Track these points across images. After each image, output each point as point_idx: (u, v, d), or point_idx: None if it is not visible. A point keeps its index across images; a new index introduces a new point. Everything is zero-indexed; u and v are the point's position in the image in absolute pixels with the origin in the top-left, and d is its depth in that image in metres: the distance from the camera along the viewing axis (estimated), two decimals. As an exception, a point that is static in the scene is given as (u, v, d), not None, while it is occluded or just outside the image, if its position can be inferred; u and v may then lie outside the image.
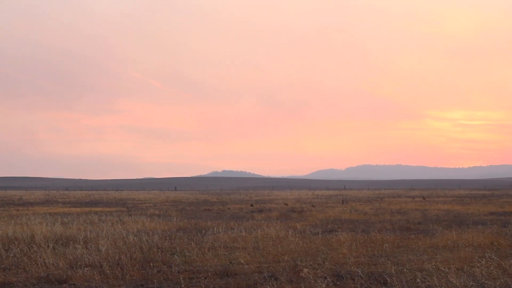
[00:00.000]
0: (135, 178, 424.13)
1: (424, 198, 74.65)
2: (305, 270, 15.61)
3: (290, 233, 25.15)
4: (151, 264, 17.39)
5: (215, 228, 27.53)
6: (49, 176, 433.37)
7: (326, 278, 14.66)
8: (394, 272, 15.44)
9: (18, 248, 19.87)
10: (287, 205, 56.92)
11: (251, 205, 56.45)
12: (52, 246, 20.45)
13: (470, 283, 13.53)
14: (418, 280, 14.17)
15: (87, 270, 16.15)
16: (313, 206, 54.15)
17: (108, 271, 15.83)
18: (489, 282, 13.66)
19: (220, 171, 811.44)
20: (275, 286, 13.96)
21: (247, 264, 17.34)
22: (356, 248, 20.40)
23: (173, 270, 16.49)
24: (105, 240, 22.12)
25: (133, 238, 22.53)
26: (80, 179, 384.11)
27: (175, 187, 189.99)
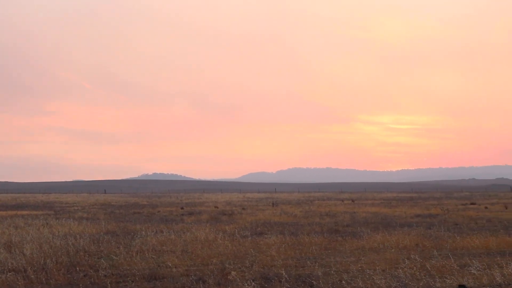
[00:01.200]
0: (65, 180, 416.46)
1: (353, 201, 75.75)
2: (233, 273, 15.61)
3: (219, 236, 25.16)
4: (78, 268, 17.11)
5: (144, 231, 27.30)
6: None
7: (253, 280, 14.68)
8: (321, 274, 15.59)
9: None
10: (218, 208, 56.92)
11: (182, 208, 56.18)
12: (-27, 251, 19.89)
13: (394, 284, 13.81)
14: (344, 282, 14.34)
15: (10, 275, 15.74)
16: (243, 209, 54.25)
17: (32, 276, 15.48)
18: (412, 283, 13.96)
19: (151, 173, 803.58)
20: (203, 289, 13.92)
21: (175, 267, 17.25)
22: (285, 251, 20.52)
23: (100, 274, 16.25)
24: (30, 244, 21.60)
25: (60, 242, 22.14)
26: (7, 181, 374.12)
27: (105, 190, 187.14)
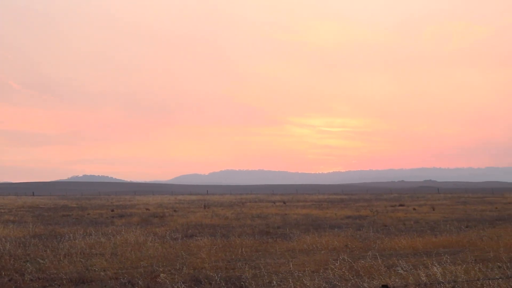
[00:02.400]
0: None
1: (284, 202, 76.21)
2: (162, 275, 15.47)
3: (150, 238, 24.94)
4: (3, 273, 16.64)
5: (73, 234, 26.81)
6: None
7: (183, 283, 14.60)
8: (251, 276, 15.60)
9: None
10: (149, 210, 56.43)
11: (112, 210, 55.38)
12: None
13: (323, 285, 13.94)
14: (274, 283, 14.40)
15: None
16: (175, 211, 53.95)
17: (-47, 281, 15.00)
18: (341, 284, 14.12)
19: (81, 175, 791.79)
20: (132, 292, 13.74)
21: (104, 270, 16.96)
22: (215, 253, 20.45)
23: (26, 278, 15.82)
24: (-48, 248, 20.97)
25: (-16, 246, 21.52)
26: None
27: (33, 192, 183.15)
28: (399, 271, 15.14)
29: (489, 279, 13.23)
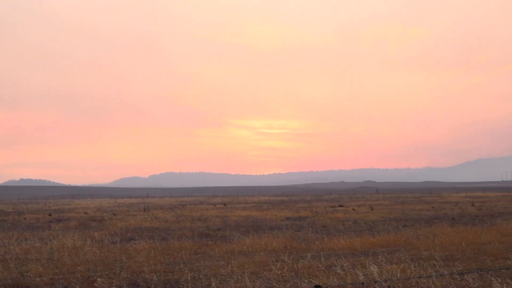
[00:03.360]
0: None
1: (225, 205, 76.10)
2: (100, 280, 15.22)
3: (87, 242, 24.56)
4: None
5: (7, 240, 26.21)
6: None
7: (121, 287, 14.41)
8: (190, 278, 15.50)
9: None
10: (88, 214, 55.57)
11: (50, 215, 54.35)
12: None
13: (262, 286, 13.96)
14: (213, 285, 14.32)
15: None
16: (114, 214, 53.29)
17: None
18: (280, 285, 14.15)
19: (18, 179, 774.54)
20: (68, 298, 13.49)
21: (39, 276, 16.59)
22: (154, 256, 20.26)
23: (-42, 286, 15.39)
24: None
25: None
26: None
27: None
28: (338, 271, 15.28)
29: (423, 277, 13.47)
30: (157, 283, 14.71)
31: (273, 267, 16.44)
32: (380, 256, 18.55)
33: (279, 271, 15.82)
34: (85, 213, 57.65)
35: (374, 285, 12.99)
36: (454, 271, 15.16)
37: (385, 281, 13.32)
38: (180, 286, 14.50)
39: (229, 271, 16.54)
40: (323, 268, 16.07)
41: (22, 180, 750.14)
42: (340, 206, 64.47)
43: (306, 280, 14.33)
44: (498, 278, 13.61)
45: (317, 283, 13.75)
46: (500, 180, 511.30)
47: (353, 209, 54.85)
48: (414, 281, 13.19)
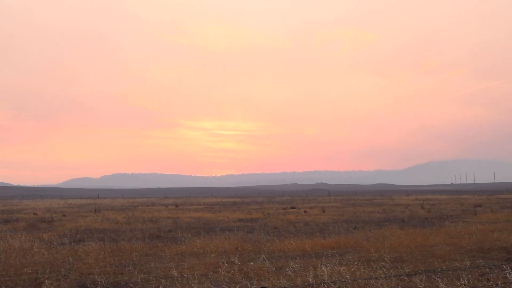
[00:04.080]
0: None
1: (177, 206, 75.75)
2: (47, 282, 14.98)
3: (36, 244, 24.19)
4: None
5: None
6: None
7: (69, 289, 14.22)
8: (139, 280, 15.39)
9: None
10: (37, 215, 54.70)
11: (-3, 216, 53.36)
12: None
13: (212, 288, 13.93)
14: (162, 287, 14.26)
15: None
16: (64, 215, 52.61)
17: None
18: (230, 286, 14.13)
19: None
20: (14, 300, 13.24)
21: (-15, 278, 16.26)
22: (104, 258, 20.04)
23: None
24: None
25: None
26: None
27: None
28: (288, 272, 15.34)
29: (372, 278, 13.61)
30: (106, 285, 14.55)
31: (223, 269, 16.43)
32: (330, 258, 18.70)
33: (229, 273, 15.81)
34: (34, 214, 56.75)
35: (323, 287, 13.07)
36: (402, 272, 15.36)
37: (335, 282, 13.41)
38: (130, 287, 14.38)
39: (179, 272, 16.45)
40: (273, 270, 16.11)
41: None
42: (292, 208, 64.77)
43: (256, 282, 14.35)
44: (445, 279, 13.86)
45: (266, 284, 13.79)
46: (450, 183, 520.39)
47: (305, 211, 55.13)
48: (363, 283, 13.31)
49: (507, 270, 14.25)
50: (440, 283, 13.16)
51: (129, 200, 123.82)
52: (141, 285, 14.75)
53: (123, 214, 53.51)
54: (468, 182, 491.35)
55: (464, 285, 13.18)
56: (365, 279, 13.51)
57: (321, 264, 16.74)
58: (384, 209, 57.20)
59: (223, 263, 17.77)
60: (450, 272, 15.10)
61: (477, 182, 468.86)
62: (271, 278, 14.77)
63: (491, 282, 13.63)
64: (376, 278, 13.71)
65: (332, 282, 13.41)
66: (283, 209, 62.46)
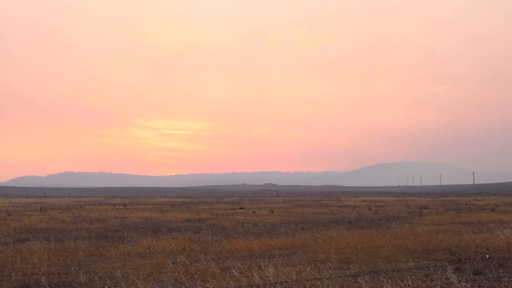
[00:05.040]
0: None
1: (125, 205, 75.08)
2: (-12, 282, 14.70)
3: (-22, 244, 23.68)
4: None
5: None
6: None
7: (11, 290, 13.95)
8: (84, 280, 15.19)
9: None
10: (-20, 214, 53.59)
11: None
12: None
13: (157, 289, 13.83)
14: (107, 287, 14.11)
15: None
16: (8, 214, 51.65)
17: None
18: (175, 287, 14.05)
19: None
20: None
21: None
22: (48, 258, 19.73)
23: None
24: None
25: None
26: None
27: None
28: (234, 273, 15.32)
29: (318, 279, 13.68)
30: (50, 285, 14.30)
31: (168, 270, 16.33)
32: (277, 259, 18.73)
33: (175, 274, 15.72)
34: (-23, 213, 55.58)
35: (270, 287, 13.10)
36: (348, 273, 15.50)
37: (281, 283, 13.45)
38: (74, 288, 14.17)
39: (125, 273, 16.30)
40: (220, 271, 16.07)
41: None
42: (241, 208, 64.86)
43: (201, 283, 14.29)
44: (389, 280, 14.02)
45: (212, 285, 13.76)
46: (397, 185, 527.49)
47: (254, 212, 55.25)
48: (309, 283, 13.38)
49: (450, 271, 14.51)
50: (385, 284, 13.33)
51: (76, 199, 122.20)
52: (85, 285, 14.57)
53: (69, 214, 52.84)
54: (415, 184, 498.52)
55: (408, 285, 13.35)
56: (311, 279, 13.58)
57: (268, 264, 16.77)
58: (332, 210, 57.67)
59: (169, 264, 17.68)
60: (395, 273, 15.29)
61: (423, 184, 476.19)
62: (216, 278, 14.73)
63: (434, 283, 13.84)
64: (322, 278, 13.80)
65: (278, 282, 13.44)
66: (232, 209, 62.46)
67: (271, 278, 14.15)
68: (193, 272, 15.96)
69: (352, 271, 16.00)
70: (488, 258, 18.97)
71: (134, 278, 15.05)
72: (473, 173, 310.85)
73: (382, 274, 15.09)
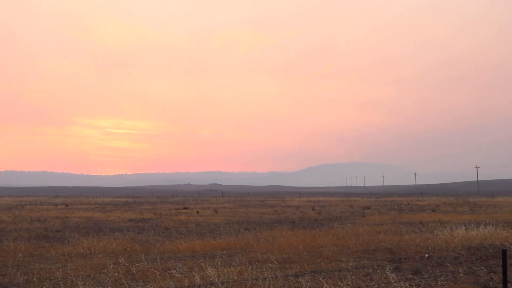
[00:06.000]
0: None
1: (67, 205, 73.96)
2: None
3: None
4: None
5: None
6: None
7: None
8: (22, 282, 14.90)
9: None
10: None
11: None
12: None
13: (97, 290, 13.66)
14: (46, 289, 13.89)
15: None
16: None
17: None
18: (115, 288, 13.93)
19: None
20: None
21: None
22: (-14, 259, 19.31)
23: None
24: None
25: None
26: None
27: None
28: (175, 274, 15.24)
29: (259, 279, 13.71)
30: (-15, 287, 14.00)
31: (109, 270, 16.14)
32: (219, 259, 18.70)
33: (115, 274, 15.56)
34: None
35: (210, 288, 13.07)
36: (289, 273, 15.57)
37: (222, 283, 13.44)
38: (10, 290, 13.89)
39: (64, 274, 16.05)
40: (161, 271, 15.95)
41: None
42: (185, 208, 64.60)
43: (142, 284, 14.17)
44: (330, 280, 14.16)
45: (152, 286, 13.67)
46: (341, 185, 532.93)
47: (198, 212, 55.10)
48: (249, 283, 13.40)
49: (389, 270, 14.73)
50: (325, 284, 13.43)
51: (16, 198, 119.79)
52: (23, 287, 14.29)
53: (9, 213, 51.79)
54: (359, 185, 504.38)
55: (348, 285, 13.50)
56: (252, 279, 13.61)
57: (210, 265, 16.73)
58: (276, 211, 57.90)
59: (110, 264, 17.48)
60: (335, 273, 15.44)
61: (367, 185, 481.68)
62: (157, 279, 14.62)
63: (373, 282, 14.03)
64: (263, 278, 13.84)
65: (219, 283, 13.43)
66: (176, 209, 62.14)
67: (212, 278, 14.13)
68: (134, 272, 15.83)
69: (293, 271, 16.09)
70: (427, 257, 19.32)
71: (74, 278, 14.85)
72: (415, 174, 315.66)
73: (323, 273, 15.22)
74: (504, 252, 10.96)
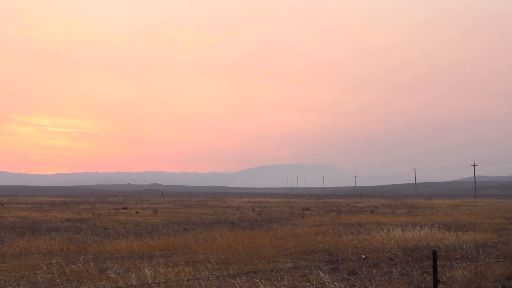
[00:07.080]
0: None
1: (2, 204, 72.33)
2: None
3: None
4: None
5: None
6: None
7: None
8: (-48, 283, 14.53)
9: None
10: None
11: None
12: None
13: (30, 291, 13.42)
14: (-24, 290, 13.57)
15: None
16: None
17: None
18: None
19: None
20: None
21: None
22: None
23: None
24: None
25: None
26: None
27: None
28: (111, 274, 15.10)
29: (196, 279, 13.69)
30: None
31: (43, 271, 15.88)
32: (157, 260, 18.56)
33: (50, 275, 15.31)
34: None
35: (146, 289, 12.98)
36: (227, 274, 15.58)
37: (158, 284, 13.36)
38: None
39: (-3, 275, 15.70)
40: (97, 272, 15.77)
41: None
42: (124, 208, 63.97)
43: (77, 284, 13.97)
44: (267, 281, 14.23)
45: (87, 287, 13.50)
46: (281, 186, 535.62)
47: (137, 212, 54.63)
48: (185, 284, 13.36)
49: (325, 271, 14.90)
50: (261, 285, 13.48)
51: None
52: (-49, 289, 13.94)
53: None
54: (299, 186, 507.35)
55: (285, 286, 13.58)
56: (189, 280, 13.56)
57: (146, 265, 16.61)
58: (216, 211, 57.82)
59: (46, 265, 17.20)
60: (272, 273, 15.52)
61: (307, 186, 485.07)
62: (93, 280, 14.46)
63: (309, 283, 14.15)
64: (199, 279, 13.82)
65: (155, 283, 13.35)
66: (115, 209, 61.45)
67: (149, 279, 14.03)
68: (69, 273, 15.60)
69: (231, 272, 16.11)
70: (364, 258, 19.61)
71: (6, 279, 14.54)
72: (355, 176, 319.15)
73: (260, 274, 15.29)
74: (434, 253, 11.25)
